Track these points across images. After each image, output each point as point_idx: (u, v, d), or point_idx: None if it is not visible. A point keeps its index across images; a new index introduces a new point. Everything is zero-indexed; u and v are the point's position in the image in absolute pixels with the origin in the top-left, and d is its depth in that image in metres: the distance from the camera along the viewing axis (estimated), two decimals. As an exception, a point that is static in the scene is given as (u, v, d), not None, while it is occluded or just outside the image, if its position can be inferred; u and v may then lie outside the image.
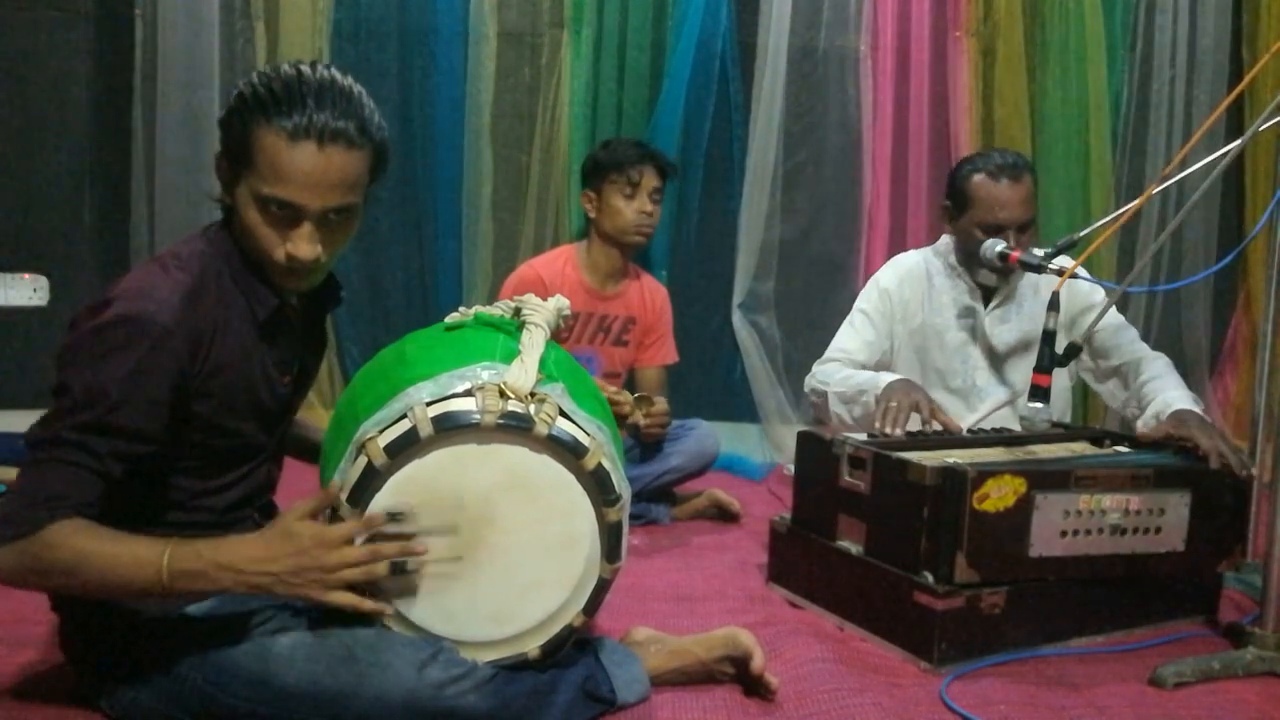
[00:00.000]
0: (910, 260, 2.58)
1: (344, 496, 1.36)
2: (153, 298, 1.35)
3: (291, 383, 1.58)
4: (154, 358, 1.32)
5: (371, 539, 1.35)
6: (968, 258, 2.44)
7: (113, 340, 1.31)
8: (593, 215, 2.87)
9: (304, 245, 1.40)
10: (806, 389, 2.54)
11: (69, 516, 1.28)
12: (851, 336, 2.53)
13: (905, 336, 2.51)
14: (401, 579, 1.39)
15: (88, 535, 1.28)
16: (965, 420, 2.41)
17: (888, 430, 2.11)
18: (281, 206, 1.38)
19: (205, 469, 1.47)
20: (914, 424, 2.17)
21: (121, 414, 1.30)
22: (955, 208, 2.43)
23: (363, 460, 1.36)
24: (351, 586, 1.34)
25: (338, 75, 1.40)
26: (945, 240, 2.54)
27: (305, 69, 1.38)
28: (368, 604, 1.35)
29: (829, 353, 2.54)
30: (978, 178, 2.37)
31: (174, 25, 3.21)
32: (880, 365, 2.49)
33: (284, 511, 1.34)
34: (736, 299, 3.55)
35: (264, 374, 1.50)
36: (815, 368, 2.54)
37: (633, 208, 2.80)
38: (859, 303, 2.58)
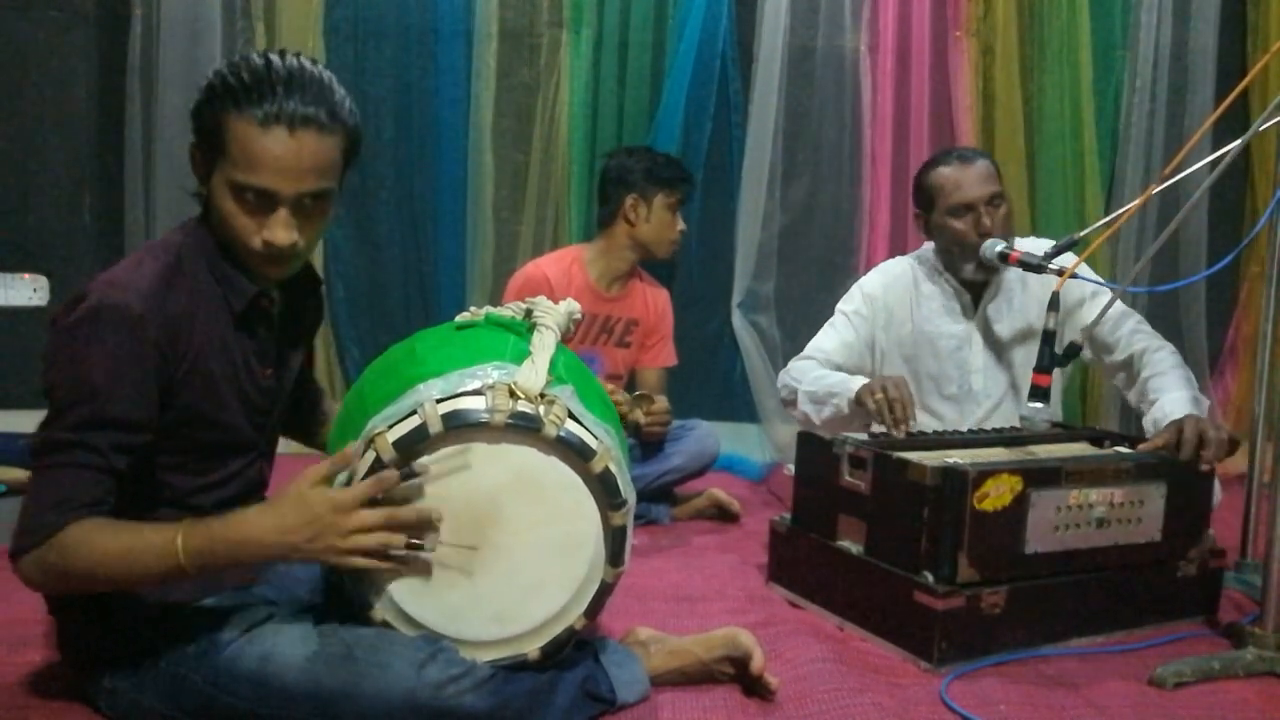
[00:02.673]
0: (898, 266, 2.56)
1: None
2: (124, 288, 1.35)
3: (274, 375, 1.58)
4: (132, 345, 1.33)
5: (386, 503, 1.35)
6: (950, 256, 2.43)
7: (88, 334, 1.32)
8: (633, 221, 2.87)
9: (280, 231, 1.40)
10: (779, 384, 2.53)
11: (81, 518, 1.29)
12: (830, 337, 2.51)
13: (893, 345, 2.48)
14: (404, 574, 1.39)
15: (102, 532, 1.30)
16: (965, 425, 2.40)
17: (885, 420, 2.11)
18: (256, 194, 1.38)
19: (195, 464, 1.48)
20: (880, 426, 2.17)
21: (112, 405, 1.31)
22: (925, 209, 2.45)
23: (371, 454, 1.36)
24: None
25: (306, 63, 1.41)
26: (928, 246, 2.54)
27: (274, 58, 1.39)
28: (386, 565, 1.35)
29: (806, 351, 2.52)
30: (936, 171, 2.41)
31: (174, 25, 3.21)
32: (857, 369, 2.46)
33: (295, 478, 1.33)
34: (736, 299, 3.55)
35: (244, 364, 1.50)
36: (790, 364, 2.53)
37: (676, 224, 2.89)
38: (841, 304, 2.56)
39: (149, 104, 3.25)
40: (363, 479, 1.35)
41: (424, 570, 1.40)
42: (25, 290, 2.52)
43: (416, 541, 1.36)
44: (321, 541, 1.30)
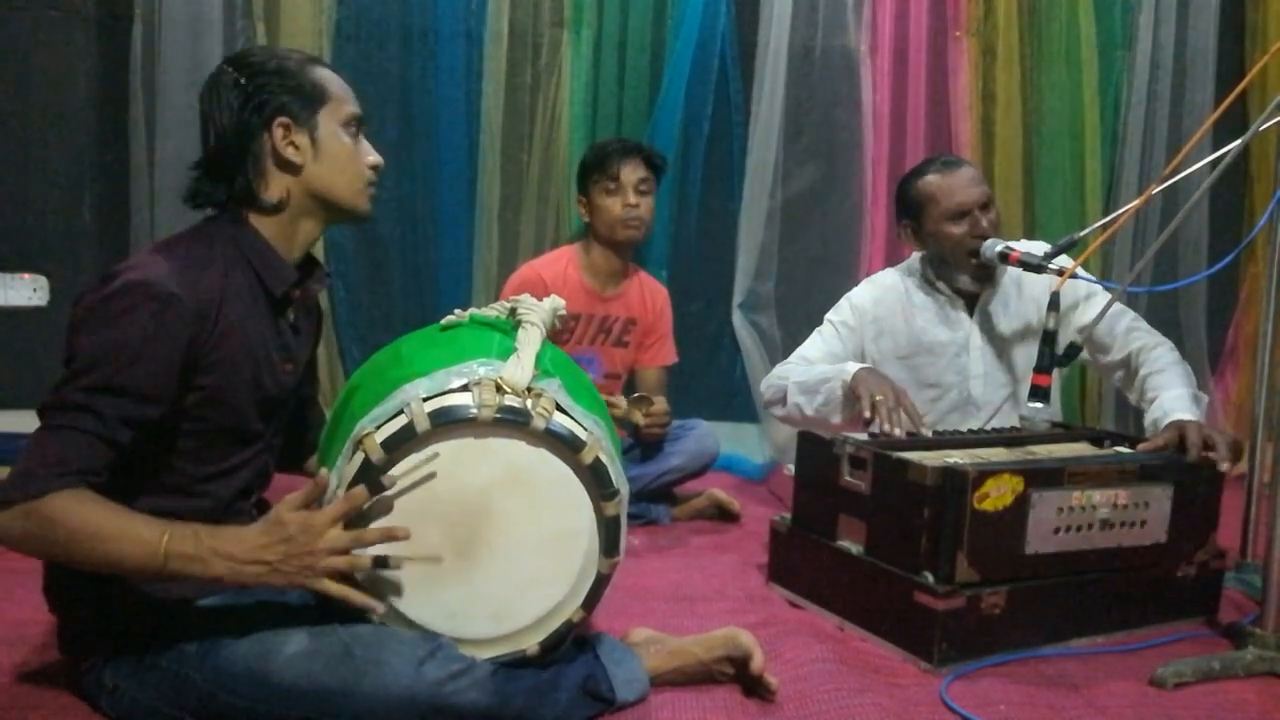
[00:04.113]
0: (887, 279, 2.55)
1: (341, 493, 1.36)
2: (158, 268, 1.38)
3: (294, 372, 1.60)
4: (161, 321, 1.35)
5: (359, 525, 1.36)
6: (944, 265, 2.43)
7: (120, 305, 1.34)
8: (586, 219, 2.88)
9: (375, 151, 1.59)
10: (763, 386, 2.51)
11: (75, 485, 1.30)
12: (816, 346, 2.50)
13: (889, 358, 2.47)
14: (400, 575, 1.40)
15: (91, 507, 1.30)
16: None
17: (886, 428, 2.10)
18: (359, 122, 1.58)
19: (205, 451, 1.48)
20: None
21: (129, 373, 1.33)
22: (914, 219, 2.44)
23: (360, 456, 1.36)
24: (345, 579, 1.36)
25: None
26: (914, 257, 2.54)
27: None
28: (358, 597, 1.36)
29: (790, 358, 2.51)
30: (924, 179, 2.41)
31: (174, 25, 3.21)
32: None
33: (278, 504, 1.35)
34: (736, 299, 3.54)
35: (265, 354, 1.52)
36: (775, 368, 2.53)
37: (617, 203, 2.80)
38: (829, 314, 2.55)
39: (150, 104, 3.24)
40: (351, 481, 1.36)
41: (419, 571, 1.40)
42: (25, 290, 2.51)
43: (381, 555, 1.36)
44: (295, 562, 1.32)
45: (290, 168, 1.51)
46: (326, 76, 1.55)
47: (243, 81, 1.50)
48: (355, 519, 1.36)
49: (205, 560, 1.31)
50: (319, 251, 3.31)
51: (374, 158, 1.58)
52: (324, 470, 1.39)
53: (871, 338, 2.48)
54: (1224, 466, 1.98)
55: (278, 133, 1.49)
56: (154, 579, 1.37)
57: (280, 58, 1.53)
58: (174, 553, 1.30)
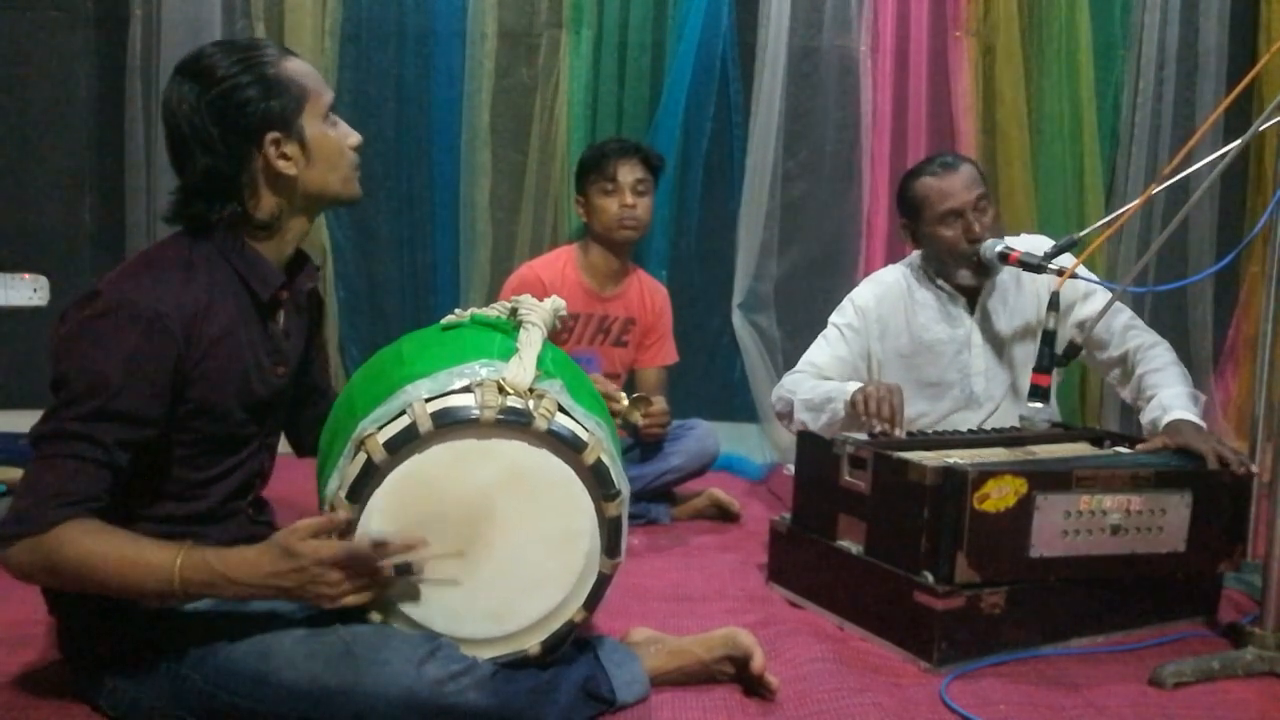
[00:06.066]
0: (890, 276, 2.56)
1: (343, 494, 1.37)
2: (141, 285, 1.37)
3: (287, 374, 1.59)
4: (149, 342, 1.34)
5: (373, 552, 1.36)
6: (941, 265, 2.44)
7: (106, 328, 1.33)
8: (584, 219, 2.88)
9: (351, 129, 1.56)
10: (773, 398, 2.52)
11: (80, 515, 1.30)
12: (823, 351, 2.50)
13: (892, 356, 2.47)
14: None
15: (99, 536, 1.30)
16: (965, 429, 2.40)
17: (873, 407, 2.10)
18: (334, 108, 1.54)
19: (198, 458, 1.48)
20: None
21: (123, 399, 1.32)
22: (912, 219, 2.45)
23: (362, 457, 1.36)
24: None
25: None
26: (916, 253, 2.54)
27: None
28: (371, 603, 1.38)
29: (799, 365, 2.52)
30: (920, 181, 2.42)
31: (174, 25, 3.21)
32: (850, 381, 2.45)
33: (287, 528, 1.34)
34: (736, 299, 3.54)
35: (255, 359, 1.51)
36: (784, 378, 2.53)
37: (614, 203, 2.81)
38: (833, 318, 2.55)
39: (149, 104, 3.25)
40: (354, 481, 1.36)
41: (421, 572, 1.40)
42: (25, 290, 2.52)
43: (403, 566, 1.38)
44: (311, 590, 1.34)
45: (284, 180, 1.48)
46: (301, 70, 1.49)
47: (217, 100, 1.42)
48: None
49: (218, 585, 1.32)
50: (321, 252, 3.31)
51: (354, 138, 1.55)
52: (341, 513, 1.37)
53: (876, 337, 2.49)
54: (1242, 469, 1.97)
55: (270, 150, 1.46)
56: (168, 601, 1.37)
57: (250, 61, 1.44)
58: (187, 579, 1.31)
